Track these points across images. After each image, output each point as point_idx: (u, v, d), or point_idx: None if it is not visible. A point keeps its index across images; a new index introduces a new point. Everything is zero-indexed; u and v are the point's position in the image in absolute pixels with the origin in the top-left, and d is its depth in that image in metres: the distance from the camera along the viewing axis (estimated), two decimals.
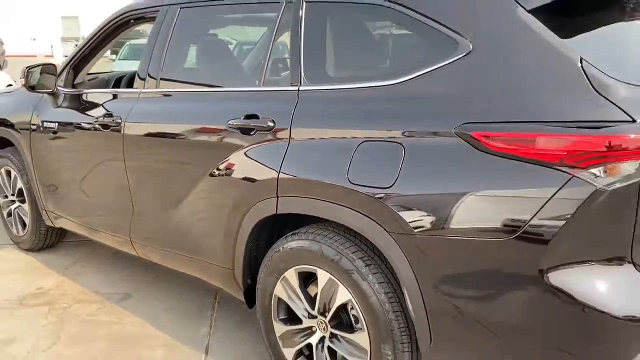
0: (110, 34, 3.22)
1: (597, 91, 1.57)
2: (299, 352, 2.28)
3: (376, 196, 1.84)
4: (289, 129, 2.13)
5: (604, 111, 1.56)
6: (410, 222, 1.78)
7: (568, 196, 1.55)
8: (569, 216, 1.55)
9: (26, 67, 3.26)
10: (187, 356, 2.69)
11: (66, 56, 4.26)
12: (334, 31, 2.30)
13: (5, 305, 3.22)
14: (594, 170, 1.53)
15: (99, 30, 3.21)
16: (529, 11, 1.72)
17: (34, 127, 3.47)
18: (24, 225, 3.96)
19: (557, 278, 1.61)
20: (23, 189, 3.80)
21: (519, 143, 1.61)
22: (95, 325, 2.99)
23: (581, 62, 1.61)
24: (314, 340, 2.21)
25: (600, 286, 1.61)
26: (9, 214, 4.06)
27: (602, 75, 1.59)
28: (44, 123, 3.38)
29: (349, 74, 2.28)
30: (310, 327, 2.22)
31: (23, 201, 3.87)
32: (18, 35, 32.82)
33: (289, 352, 2.31)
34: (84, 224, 3.37)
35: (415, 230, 1.77)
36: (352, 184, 1.90)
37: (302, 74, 2.18)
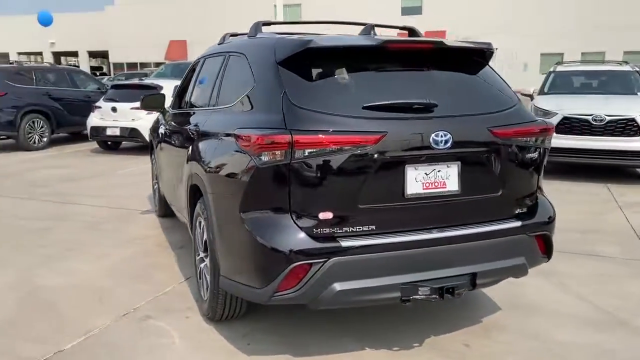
0: (190, 72, 4.98)
1: (282, 111, 2.66)
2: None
3: (205, 168, 3.17)
4: (199, 132, 3.57)
5: (280, 123, 2.64)
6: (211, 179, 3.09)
7: (250, 169, 2.68)
8: (250, 180, 2.68)
9: (143, 96, 5.28)
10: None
11: None
12: (227, 73, 3.62)
13: (123, 242, 5.25)
14: (261, 157, 2.63)
15: (186, 73, 5.05)
16: (277, 63, 2.86)
17: (155, 135, 5.50)
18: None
19: (248, 220, 2.72)
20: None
21: (241, 141, 2.78)
22: (158, 252, 4.80)
23: (283, 94, 2.71)
24: (202, 262, 3.53)
25: (269, 225, 2.66)
26: (154, 193, 6.22)
27: (287, 103, 2.67)
28: (158, 132, 5.37)
29: (224, 100, 3.52)
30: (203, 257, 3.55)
31: (157, 184, 5.96)
32: None
33: (198, 269, 3.65)
34: (166, 193, 5.23)
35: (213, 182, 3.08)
36: (204, 164, 3.25)
37: (217, 99, 3.58)
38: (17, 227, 5.76)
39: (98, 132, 10.97)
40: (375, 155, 2.66)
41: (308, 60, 2.82)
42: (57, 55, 52.68)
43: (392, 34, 5.06)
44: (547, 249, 3.18)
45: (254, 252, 2.71)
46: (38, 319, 3.55)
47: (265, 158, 2.63)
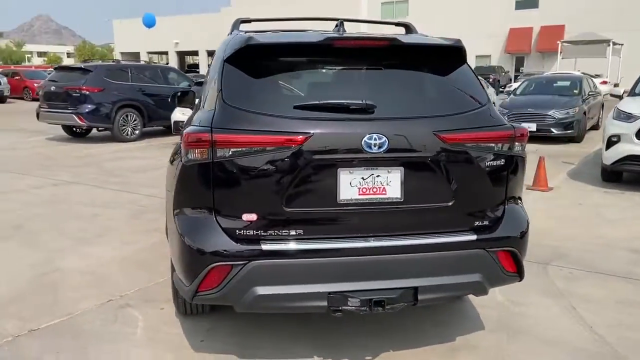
0: None
1: (214, 110, 2.65)
2: None
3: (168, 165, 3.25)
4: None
5: (209, 121, 2.62)
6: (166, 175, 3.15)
7: (180, 167, 2.69)
8: (179, 178, 2.70)
9: (174, 93, 5.48)
10: None
11: None
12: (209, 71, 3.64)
13: (151, 230, 5.52)
14: (188, 154, 2.62)
15: None
16: (224, 60, 2.83)
17: None
18: None
19: (177, 217, 2.73)
20: None
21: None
22: None
23: (220, 91, 2.69)
24: None
25: (193, 224, 2.65)
26: None
27: (220, 101, 2.65)
28: None
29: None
30: None
31: None
32: None
33: None
34: None
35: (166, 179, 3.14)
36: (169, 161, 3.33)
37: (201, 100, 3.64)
38: (72, 212, 6.26)
39: (179, 127, 11.57)
40: (302, 157, 2.55)
41: (249, 58, 2.75)
42: (180, 55, 56.56)
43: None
44: (516, 267, 2.85)
45: (180, 250, 2.72)
46: (35, 298, 3.84)
47: (190, 156, 2.62)
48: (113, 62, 14.07)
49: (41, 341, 3.22)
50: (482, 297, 3.68)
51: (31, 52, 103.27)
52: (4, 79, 24.58)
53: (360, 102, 2.62)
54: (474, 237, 2.74)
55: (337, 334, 3.29)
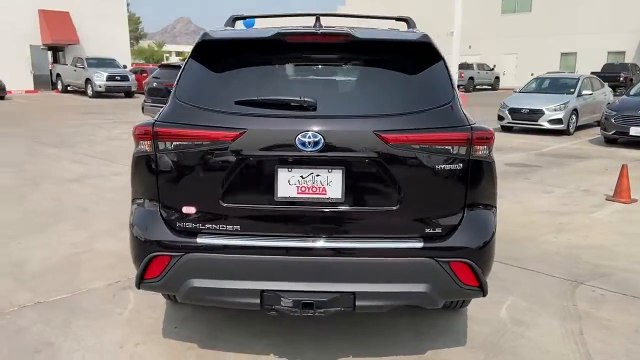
0: None
1: (166, 104, 2.74)
2: None
3: None
4: None
5: (159, 115, 2.71)
6: None
7: (132, 158, 2.79)
8: (131, 170, 2.80)
9: None
10: None
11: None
12: None
13: None
14: (137, 147, 2.72)
15: None
16: (190, 56, 2.89)
17: None
18: None
19: (131, 206, 2.84)
20: None
21: None
22: None
23: (176, 87, 2.77)
24: None
25: (140, 214, 2.74)
26: None
27: (173, 95, 2.73)
28: None
29: None
30: None
31: None
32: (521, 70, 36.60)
33: None
34: None
35: None
36: None
37: None
38: None
39: None
40: (237, 153, 2.53)
41: (205, 54, 2.78)
42: None
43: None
44: (476, 280, 2.60)
45: (130, 238, 2.83)
46: (57, 275, 4.19)
47: (139, 147, 2.71)
48: None
49: (38, 313, 3.52)
50: (482, 312, 3.45)
51: (170, 52, 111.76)
52: (132, 76, 26.89)
53: (298, 98, 2.54)
54: (420, 244, 2.54)
55: (305, 334, 3.23)
